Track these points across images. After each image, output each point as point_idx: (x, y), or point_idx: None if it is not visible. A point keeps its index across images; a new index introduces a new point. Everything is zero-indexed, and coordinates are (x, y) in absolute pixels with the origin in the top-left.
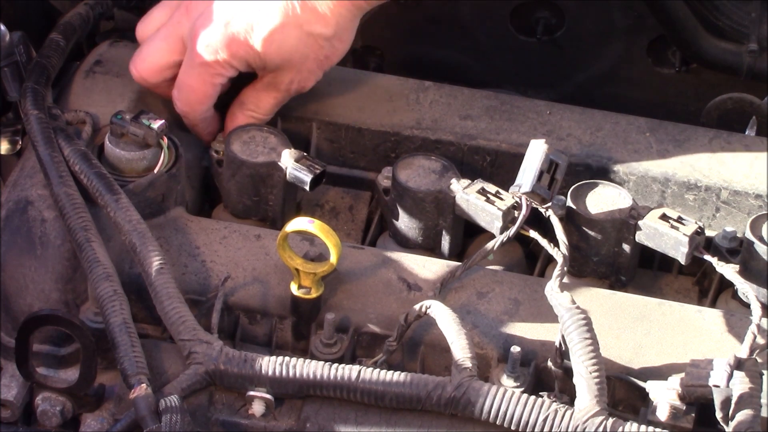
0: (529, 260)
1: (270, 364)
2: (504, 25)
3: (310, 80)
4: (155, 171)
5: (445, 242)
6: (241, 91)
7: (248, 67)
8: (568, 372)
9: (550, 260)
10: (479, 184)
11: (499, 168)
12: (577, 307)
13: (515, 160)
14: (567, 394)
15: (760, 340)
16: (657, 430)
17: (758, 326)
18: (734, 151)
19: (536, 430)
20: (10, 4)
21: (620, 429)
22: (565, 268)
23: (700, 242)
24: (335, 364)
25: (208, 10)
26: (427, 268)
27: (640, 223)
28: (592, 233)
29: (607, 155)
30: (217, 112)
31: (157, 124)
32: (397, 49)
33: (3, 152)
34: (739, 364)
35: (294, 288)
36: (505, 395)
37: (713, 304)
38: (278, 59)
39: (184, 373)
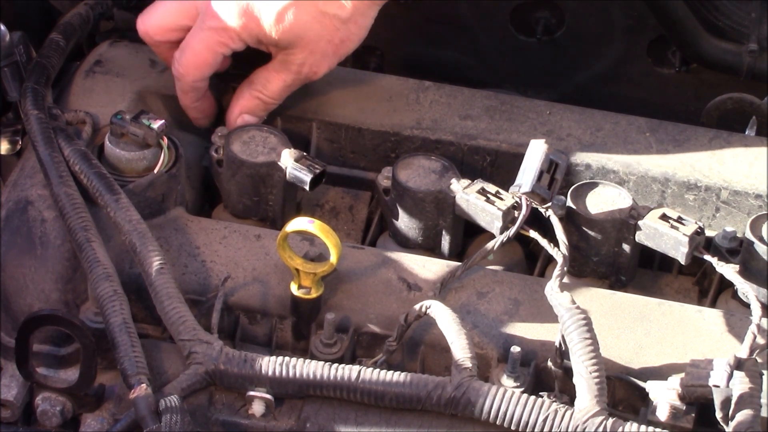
0: (529, 260)
1: (270, 364)
2: (504, 25)
3: (323, 65)
4: (155, 171)
5: (445, 242)
6: (254, 71)
7: (258, 42)
8: (568, 372)
9: (550, 260)
10: (479, 184)
11: (499, 168)
12: (577, 307)
13: (515, 160)
14: (567, 394)
15: (760, 340)
16: (657, 430)
17: (758, 326)
18: (734, 151)
19: (536, 430)
20: (10, 4)
21: (620, 429)
22: (565, 268)
23: (700, 242)
24: (335, 364)
25: None
26: (427, 268)
27: (640, 223)
28: (592, 233)
29: (607, 155)
30: (213, 97)
31: (157, 124)
32: (397, 49)
33: (3, 152)
34: (739, 364)
35: (294, 288)
36: (505, 395)
37: (713, 304)
38: (290, 36)
39: (184, 373)
